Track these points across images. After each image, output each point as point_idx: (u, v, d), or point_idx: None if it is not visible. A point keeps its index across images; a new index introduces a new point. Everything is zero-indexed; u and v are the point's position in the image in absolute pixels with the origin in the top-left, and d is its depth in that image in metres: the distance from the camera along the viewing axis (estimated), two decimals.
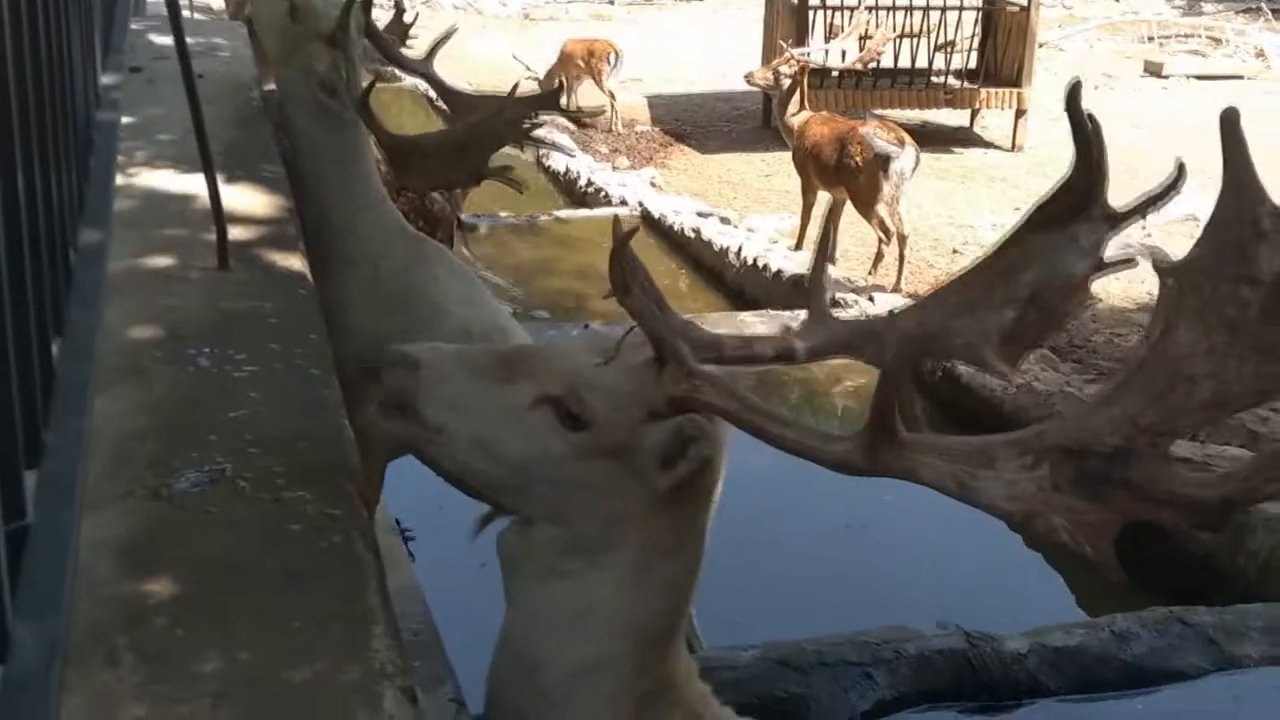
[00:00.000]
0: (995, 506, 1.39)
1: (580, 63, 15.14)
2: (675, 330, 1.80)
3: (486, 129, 4.01)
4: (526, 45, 18.00)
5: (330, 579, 2.14)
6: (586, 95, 15.32)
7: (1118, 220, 1.62)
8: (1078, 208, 1.64)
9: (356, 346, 3.81)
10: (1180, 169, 1.50)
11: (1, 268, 1.59)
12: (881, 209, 9.02)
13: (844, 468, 1.58)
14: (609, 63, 15.05)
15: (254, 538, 2.25)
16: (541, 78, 14.68)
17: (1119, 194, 1.67)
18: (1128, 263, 1.66)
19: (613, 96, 15.14)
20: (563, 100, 4.35)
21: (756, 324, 8.14)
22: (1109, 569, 1.38)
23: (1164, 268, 1.43)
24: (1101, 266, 1.66)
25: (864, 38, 12.33)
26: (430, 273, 4.09)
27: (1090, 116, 1.58)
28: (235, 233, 3.62)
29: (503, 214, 7.46)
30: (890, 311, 1.80)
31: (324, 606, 2.06)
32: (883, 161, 8.89)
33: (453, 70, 4.63)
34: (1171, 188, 1.53)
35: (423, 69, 4.30)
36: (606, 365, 1.81)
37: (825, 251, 1.98)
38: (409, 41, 4.71)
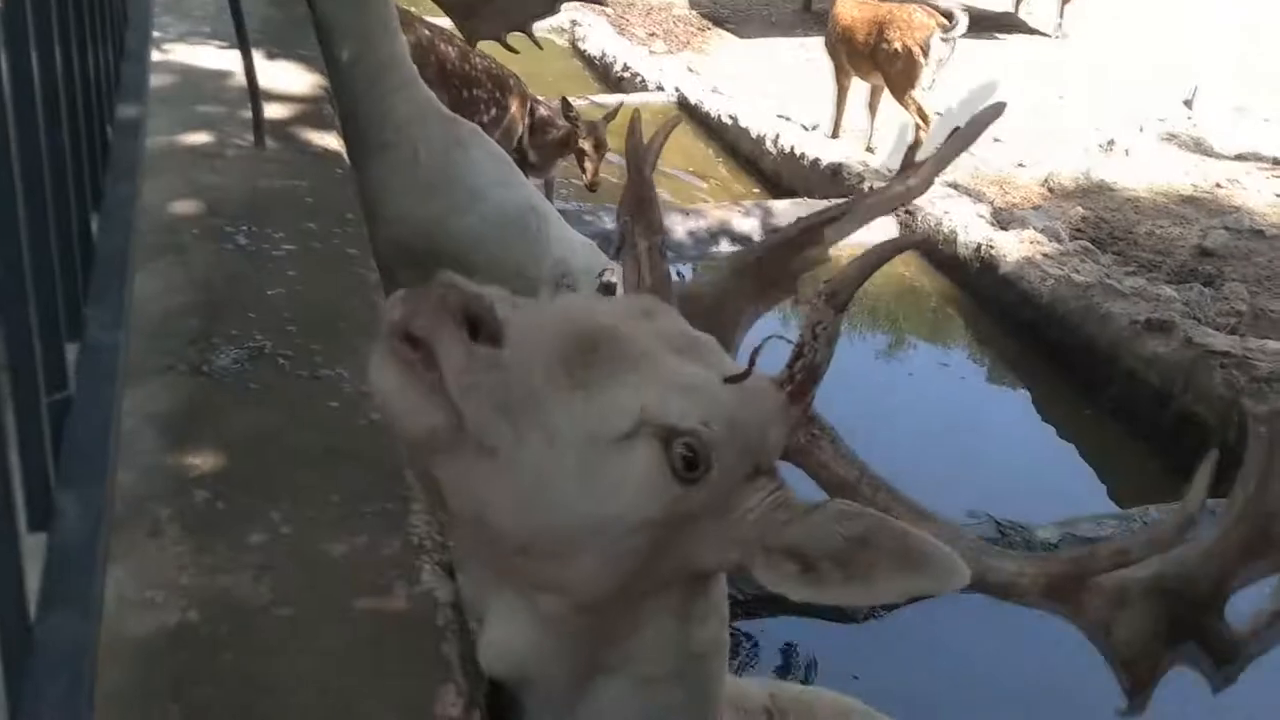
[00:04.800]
0: (1116, 652, 1.28)
1: None
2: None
3: None
4: None
5: (369, 455, 2.16)
6: None
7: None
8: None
9: (395, 233, 3.81)
10: None
11: (40, 142, 1.58)
12: (919, 94, 8.85)
13: (1009, 595, 1.24)
14: None
15: (294, 414, 2.26)
16: None
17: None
18: None
19: None
20: None
21: (792, 211, 8.07)
22: (1140, 704, 1.30)
23: (1258, 413, 1.32)
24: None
25: None
26: (468, 155, 4.06)
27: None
28: (272, 111, 3.60)
29: (538, 98, 7.43)
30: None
31: (363, 482, 2.08)
32: (924, 47, 8.71)
33: None
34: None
35: None
36: (731, 384, 1.21)
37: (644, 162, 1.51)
38: None
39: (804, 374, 1.25)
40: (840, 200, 1.64)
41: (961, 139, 1.58)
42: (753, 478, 1.24)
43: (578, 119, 7.24)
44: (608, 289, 1.26)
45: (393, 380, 1.07)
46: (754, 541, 1.22)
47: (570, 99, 7.49)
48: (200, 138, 3.50)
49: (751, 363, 1.22)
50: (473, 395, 1.06)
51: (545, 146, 7.39)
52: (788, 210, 8.06)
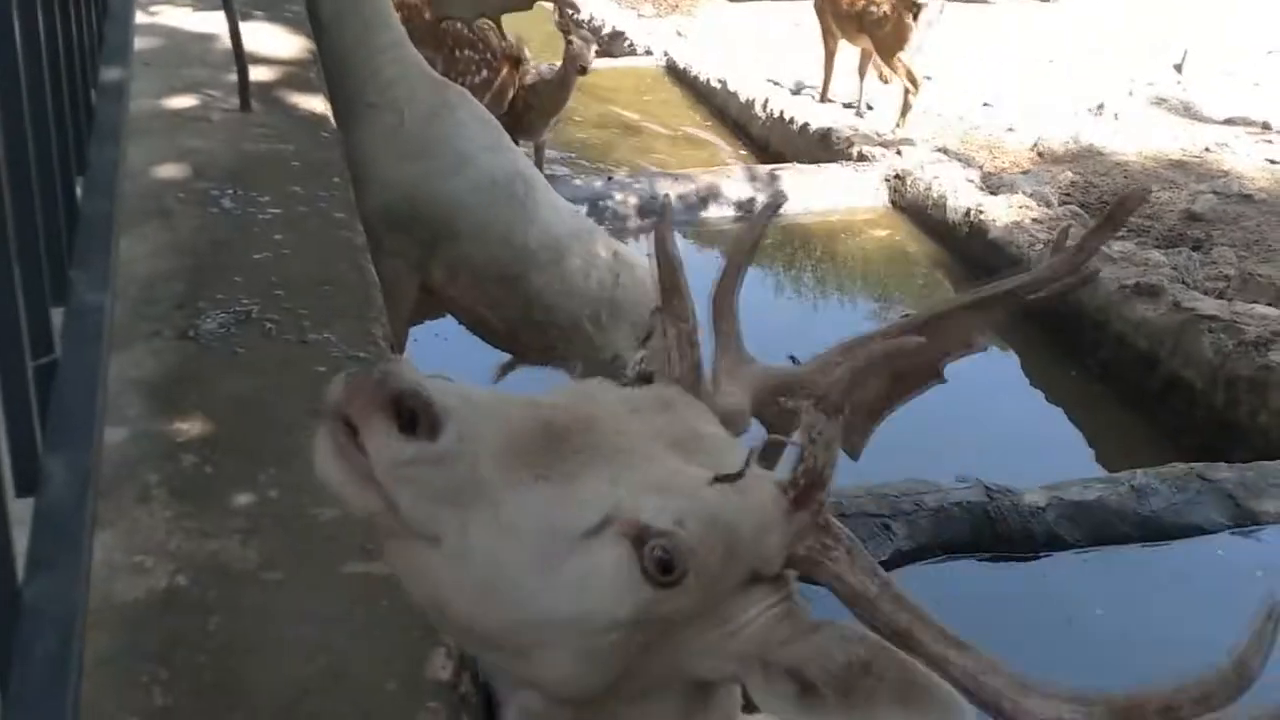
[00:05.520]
0: None
1: None
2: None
3: None
4: None
5: None
6: None
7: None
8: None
9: (383, 198, 3.78)
10: None
11: (24, 105, 1.57)
12: (907, 58, 8.80)
13: None
14: None
15: (281, 379, 2.26)
16: None
17: None
18: None
19: None
20: None
21: (783, 176, 8.05)
22: None
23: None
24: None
25: None
26: (454, 118, 4.02)
27: None
28: (257, 74, 3.57)
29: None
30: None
31: None
32: (913, 9, 8.65)
33: None
34: None
35: None
36: (722, 484, 1.13)
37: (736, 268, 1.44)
38: None
39: (806, 479, 1.15)
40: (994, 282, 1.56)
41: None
42: (750, 585, 1.16)
43: (567, 24, 7.36)
44: (644, 378, 1.14)
45: (327, 463, 1.05)
46: (752, 656, 1.14)
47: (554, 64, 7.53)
48: (185, 101, 3.47)
49: (746, 464, 1.13)
50: (404, 486, 1.04)
51: (546, 96, 7.43)
52: (779, 175, 8.04)
